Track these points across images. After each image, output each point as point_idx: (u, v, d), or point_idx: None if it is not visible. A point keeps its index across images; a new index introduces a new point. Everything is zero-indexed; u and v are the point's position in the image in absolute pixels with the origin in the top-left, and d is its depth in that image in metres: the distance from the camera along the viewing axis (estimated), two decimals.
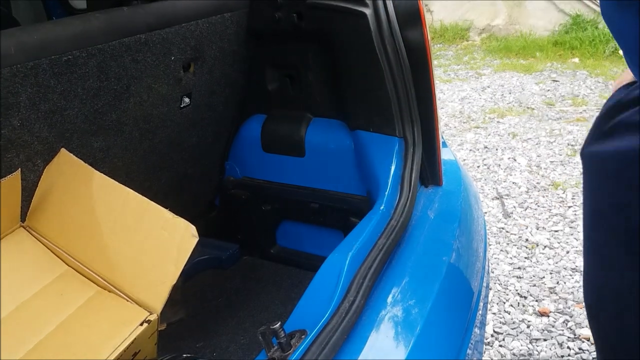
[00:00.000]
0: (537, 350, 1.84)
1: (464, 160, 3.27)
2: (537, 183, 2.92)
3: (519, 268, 2.27)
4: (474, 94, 4.38)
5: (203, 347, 1.30)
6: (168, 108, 1.25)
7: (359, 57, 1.20)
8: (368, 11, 1.16)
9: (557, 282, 2.16)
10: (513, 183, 2.95)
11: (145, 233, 0.96)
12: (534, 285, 2.15)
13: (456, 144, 3.51)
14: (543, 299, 2.07)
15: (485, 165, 3.18)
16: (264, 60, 1.42)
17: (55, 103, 0.99)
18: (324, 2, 1.21)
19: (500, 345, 1.88)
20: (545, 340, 1.88)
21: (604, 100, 0.83)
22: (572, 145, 3.30)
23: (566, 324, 1.94)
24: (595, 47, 4.99)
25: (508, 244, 2.44)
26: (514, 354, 1.84)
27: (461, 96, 4.35)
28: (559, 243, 2.40)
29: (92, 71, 1.03)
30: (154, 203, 0.97)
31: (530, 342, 1.88)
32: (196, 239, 0.92)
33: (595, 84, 4.28)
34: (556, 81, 4.45)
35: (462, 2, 6.03)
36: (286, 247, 1.60)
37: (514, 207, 2.72)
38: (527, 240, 2.45)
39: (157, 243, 0.94)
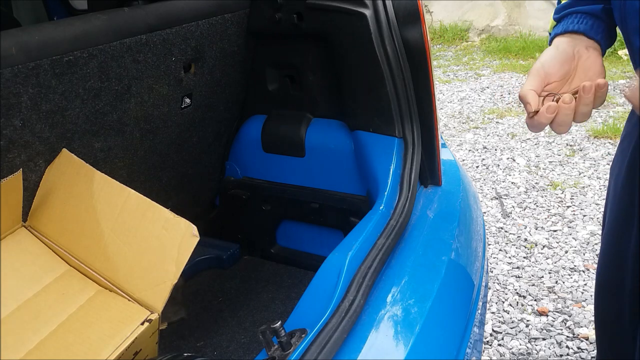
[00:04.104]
0: (535, 350, 1.85)
1: (463, 160, 3.28)
2: (536, 183, 2.93)
3: (517, 267, 2.27)
4: (473, 94, 4.38)
5: (204, 346, 1.31)
6: (169, 108, 1.26)
7: (358, 58, 1.20)
8: (368, 12, 1.16)
9: (556, 282, 2.16)
10: (512, 183, 2.95)
11: (146, 233, 0.96)
12: (533, 285, 2.16)
13: (455, 144, 3.52)
14: (542, 299, 2.08)
15: (484, 165, 3.19)
16: (264, 61, 1.42)
17: (57, 103, 0.99)
18: (324, 2, 1.21)
19: (499, 345, 1.88)
20: (544, 339, 1.88)
21: None
22: (570, 145, 3.31)
23: (565, 323, 1.94)
24: None
25: (507, 243, 2.44)
26: (512, 353, 1.84)
27: (460, 97, 4.35)
28: (557, 243, 2.41)
29: (93, 72, 1.03)
30: (154, 203, 0.98)
31: (529, 342, 1.88)
32: (197, 239, 0.93)
33: None
34: None
35: (462, 3, 6.04)
36: (286, 246, 1.60)
37: (513, 207, 2.73)
38: (525, 240, 2.45)
39: (158, 243, 0.95)
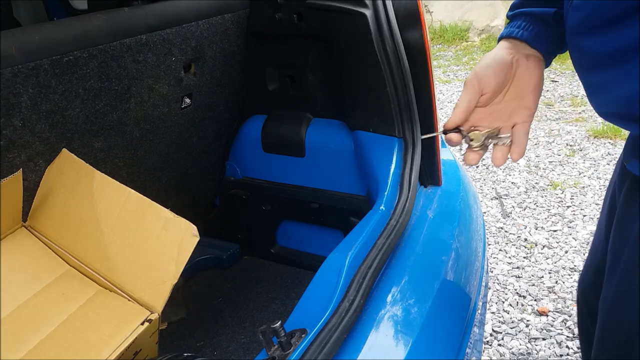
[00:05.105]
0: (535, 350, 1.85)
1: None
2: (536, 183, 2.93)
3: (517, 267, 2.27)
4: None
5: (203, 346, 1.31)
6: (169, 108, 1.26)
7: (358, 58, 1.20)
8: (368, 12, 1.16)
9: (556, 282, 2.16)
10: (512, 183, 2.95)
11: (146, 232, 0.96)
12: (533, 285, 2.16)
13: None
14: (542, 299, 2.08)
15: (484, 165, 3.19)
16: (265, 61, 1.42)
17: (57, 103, 0.99)
18: (324, 2, 1.21)
19: (499, 345, 1.88)
20: (544, 339, 1.88)
21: None
22: (570, 145, 3.31)
23: (565, 323, 1.94)
24: None
25: (507, 243, 2.44)
26: (512, 353, 1.84)
27: None
28: (557, 243, 2.41)
29: (93, 72, 1.03)
30: (154, 203, 0.98)
31: (529, 342, 1.88)
32: (197, 239, 0.92)
33: None
34: (555, 82, 4.45)
35: (462, 3, 6.04)
36: (286, 246, 1.61)
37: (513, 207, 2.73)
38: (525, 239, 2.45)
39: (158, 242, 0.95)
